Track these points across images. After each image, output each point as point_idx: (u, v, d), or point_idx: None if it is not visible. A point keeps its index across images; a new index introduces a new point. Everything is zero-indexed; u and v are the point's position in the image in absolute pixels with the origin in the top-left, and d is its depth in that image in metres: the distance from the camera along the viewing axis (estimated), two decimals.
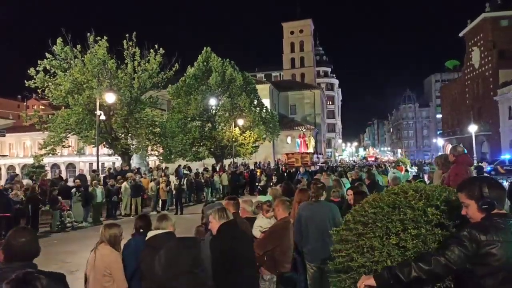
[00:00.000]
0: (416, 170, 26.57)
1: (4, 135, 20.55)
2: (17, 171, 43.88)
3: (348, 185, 8.55)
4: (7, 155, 50.34)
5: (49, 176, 21.80)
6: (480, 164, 22.95)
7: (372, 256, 2.29)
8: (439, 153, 22.80)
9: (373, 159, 57.52)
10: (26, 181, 15.08)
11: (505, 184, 13.03)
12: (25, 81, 18.88)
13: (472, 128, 36.10)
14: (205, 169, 23.24)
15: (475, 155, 33.24)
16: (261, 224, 4.58)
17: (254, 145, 30.01)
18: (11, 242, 2.23)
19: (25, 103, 66.77)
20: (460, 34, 53.68)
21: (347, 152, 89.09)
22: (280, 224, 4.34)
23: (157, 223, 3.24)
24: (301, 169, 21.28)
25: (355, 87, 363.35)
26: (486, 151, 46.07)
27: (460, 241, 1.95)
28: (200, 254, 2.49)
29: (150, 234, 3.19)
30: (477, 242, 1.92)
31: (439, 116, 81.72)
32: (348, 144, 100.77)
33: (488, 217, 2.02)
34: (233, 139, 27.81)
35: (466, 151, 5.48)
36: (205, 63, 29.98)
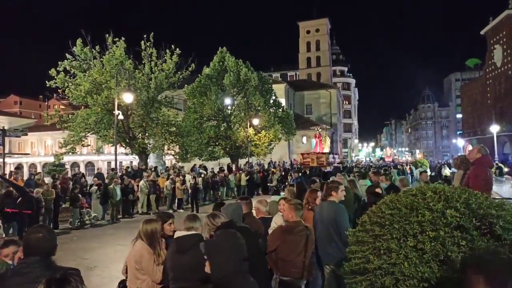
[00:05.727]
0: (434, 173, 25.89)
1: (26, 134, 21.17)
2: (39, 169, 45.15)
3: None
4: (29, 154, 51.92)
5: (69, 174, 22.30)
6: (500, 165, 22.28)
7: (389, 258, 2.25)
8: (459, 154, 22.19)
9: (391, 159, 56.56)
10: (47, 179, 15.50)
11: None
12: (47, 82, 19.38)
13: (494, 129, 35.21)
14: (221, 169, 23.37)
15: (496, 156, 32.39)
16: (276, 221, 4.68)
17: (269, 145, 29.96)
18: (27, 237, 2.36)
19: (46, 103, 68.72)
20: (482, 32, 52.32)
21: (364, 152, 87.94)
22: (283, 227, 4.25)
23: (190, 223, 3.21)
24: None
25: (372, 86, 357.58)
26: (509, 152, 44.79)
27: None
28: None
29: (178, 234, 3.17)
30: None
31: (459, 116, 79.93)
32: (365, 144, 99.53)
33: None
34: (248, 139, 27.84)
35: (488, 151, 5.31)
36: (220, 63, 30.12)
